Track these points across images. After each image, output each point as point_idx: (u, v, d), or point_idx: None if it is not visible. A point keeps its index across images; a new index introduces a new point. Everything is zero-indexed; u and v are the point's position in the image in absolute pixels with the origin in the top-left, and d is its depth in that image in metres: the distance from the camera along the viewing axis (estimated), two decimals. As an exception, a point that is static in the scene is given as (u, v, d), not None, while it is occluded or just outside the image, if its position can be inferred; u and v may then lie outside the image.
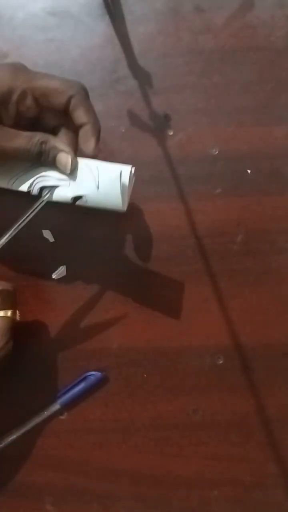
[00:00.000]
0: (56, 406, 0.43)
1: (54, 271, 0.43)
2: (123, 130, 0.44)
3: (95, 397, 0.43)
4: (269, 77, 0.43)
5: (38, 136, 0.35)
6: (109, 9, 0.44)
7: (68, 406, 0.43)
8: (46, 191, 0.37)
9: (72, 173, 0.36)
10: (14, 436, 0.43)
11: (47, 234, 0.43)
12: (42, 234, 0.43)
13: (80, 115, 0.35)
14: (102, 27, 0.44)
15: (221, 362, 0.43)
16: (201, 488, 0.43)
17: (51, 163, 0.36)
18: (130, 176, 0.37)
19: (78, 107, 0.35)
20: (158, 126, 0.44)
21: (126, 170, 0.36)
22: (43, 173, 0.37)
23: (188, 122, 0.43)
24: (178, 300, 0.43)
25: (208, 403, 0.43)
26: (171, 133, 0.43)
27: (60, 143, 0.36)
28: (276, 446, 0.42)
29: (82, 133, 0.36)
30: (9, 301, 0.39)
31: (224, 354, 0.43)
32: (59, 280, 0.43)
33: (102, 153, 0.43)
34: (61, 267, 0.43)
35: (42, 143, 0.35)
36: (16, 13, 0.44)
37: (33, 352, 0.43)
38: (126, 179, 0.36)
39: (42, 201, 0.37)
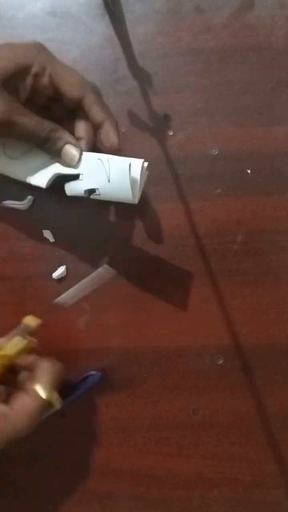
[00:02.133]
0: (56, 406, 0.43)
1: (54, 271, 0.43)
2: (123, 130, 0.44)
3: (95, 398, 0.43)
4: (269, 77, 0.43)
5: (49, 123, 0.37)
6: (109, 9, 0.44)
7: (68, 406, 0.43)
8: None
9: (77, 165, 0.37)
10: (14, 436, 0.43)
11: (47, 234, 0.43)
12: (42, 234, 0.43)
13: (97, 113, 0.37)
14: (102, 27, 0.44)
15: (221, 362, 0.43)
16: (201, 488, 0.43)
17: (56, 152, 0.37)
18: (142, 170, 0.37)
19: (93, 106, 0.37)
20: (158, 126, 0.44)
21: (137, 163, 0.37)
22: (59, 171, 0.38)
23: (188, 122, 0.43)
24: (178, 300, 0.43)
25: (208, 403, 0.43)
26: (171, 133, 0.43)
27: (69, 135, 0.37)
28: (276, 445, 0.42)
29: (103, 131, 0.37)
30: (56, 384, 0.35)
31: (224, 354, 0.43)
32: (59, 280, 0.44)
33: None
34: (61, 267, 0.43)
35: (51, 130, 0.36)
36: (16, 13, 0.44)
37: (33, 352, 0.43)
38: (136, 171, 0.37)
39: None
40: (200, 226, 0.43)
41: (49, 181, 0.38)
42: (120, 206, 0.43)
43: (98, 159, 0.37)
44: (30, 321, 0.36)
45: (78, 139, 0.38)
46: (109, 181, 0.37)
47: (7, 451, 0.43)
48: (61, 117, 0.39)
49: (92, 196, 0.37)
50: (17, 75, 0.35)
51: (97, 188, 0.37)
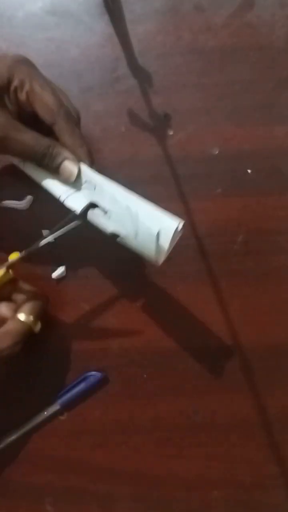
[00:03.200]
0: (56, 407, 0.43)
1: (54, 271, 0.43)
2: (123, 130, 0.43)
3: (95, 398, 0.43)
4: (270, 76, 0.43)
5: (46, 139, 0.36)
6: (109, 8, 0.43)
7: (68, 407, 0.43)
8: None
9: (75, 181, 0.36)
10: (14, 436, 0.43)
11: (47, 234, 0.43)
12: (42, 234, 0.43)
13: (65, 141, 0.36)
14: (102, 26, 0.44)
15: (221, 362, 0.43)
16: (201, 489, 0.43)
17: (55, 169, 0.36)
18: (173, 235, 0.34)
19: (62, 133, 0.36)
20: (158, 125, 0.43)
21: (168, 229, 0.34)
22: (93, 199, 0.36)
23: (188, 122, 0.43)
24: (178, 300, 0.43)
25: (208, 403, 0.43)
26: (171, 133, 0.43)
27: (66, 151, 0.36)
28: (276, 446, 0.42)
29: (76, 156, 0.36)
30: (37, 310, 0.38)
31: (224, 354, 0.43)
32: (59, 280, 0.43)
33: (101, 153, 0.43)
34: (61, 267, 0.43)
35: (48, 146, 0.35)
36: (16, 13, 0.44)
37: (33, 352, 0.43)
38: (166, 240, 0.34)
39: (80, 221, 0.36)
40: (200, 226, 0.43)
41: (83, 208, 0.36)
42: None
43: (126, 205, 0.35)
44: (13, 256, 0.37)
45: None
46: (135, 237, 0.34)
47: (7, 451, 0.43)
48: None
49: (117, 240, 0.36)
50: (4, 88, 0.35)
51: (122, 236, 0.35)
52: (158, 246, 0.34)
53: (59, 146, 0.36)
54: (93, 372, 0.42)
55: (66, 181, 0.36)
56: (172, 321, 0.43)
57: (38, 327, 0.39)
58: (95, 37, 0.44)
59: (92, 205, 0.36)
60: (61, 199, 0.36)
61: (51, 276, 0.43)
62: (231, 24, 0.43)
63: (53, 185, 0.37)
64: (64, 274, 0.43)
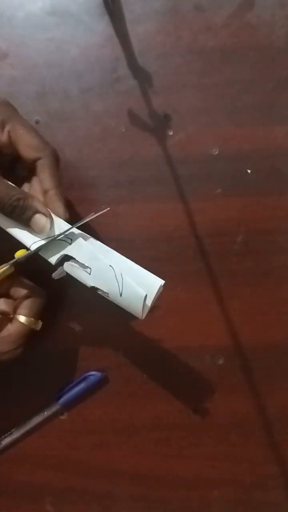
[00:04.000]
0: (56, 406, 0.43)
1: (54, 271, 0.43)
2: (123, 130, 0.43)
3: (95, 397, 0.43)
4: (270, 76, 0.43)
5: (17, 190, 0.35)
6: (109, 9, 0.43)
7: (68, 406, 0.43)
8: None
9: (47, 233, 0.35)
10: (14, 436, 0.43)
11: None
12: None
13: (44, 179, 0.36)
14: (102, 26, 0.44)
15: (221, 362, 0.43)
16: (201, 489, 0.43)
17: (25, 222, 0.35)
18: (157, 292, 0.35)
19: (43, 170, 0.36)
20: (158, 125, 0.43)
21: (153, 288, 0.35)
22: (69, 253, 0.36)
23: (188, 122, 0.43)
24: (178, 300, 0.43)
25: (208, 403, 0.43)
26: (171, 133, 0.43)
27: (38, 203, 0.35)
28: (276, 446, 0.42)
29: (48, 198, 0.36)
30: (36, 309, 0.38)
31: (224, 354, 0.43)
32: (59, 280, 0.43)
33: (101, 153, 0.43)
34: (61, 267, 0.43)
35: (19, 198, 0.35)
36: (16, 13, 0.44)
37: (33, 352, 0.43)
38: (150, 298, 0.35)
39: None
40: (200, 226, 0.43)
41: (58, 259, 0.36)
42: (119, 206, 0.43)
43: (110, 266, 0.35)
44: (19, 254, 0.36)
45: (45, 191, 0.36)
46: (120, 296, 0.35)
47: (7, 451, 0.43)
48: (26, 175, 0.38)
49: (98, 292, 0.36)
50: None
51: (106, 293, 0.35)
52: (144, 305, 0.35)
53: (30, 198, 0.35)
54: (93, 372, 0.42)
55: (39, 233, 0.36)
56: (172, 321, 0.43)
57: (39, 325, 0.39)
58: (95, 37, 0.44)
59: (68, 258, 0.36)
60: (32, 248, 0.36)
61: (51, 276, 0.43)
62: (231, 24, 0.43)
63: (23, 235, 0.36)
64: (64, 274, 0.43)
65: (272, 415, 0.42)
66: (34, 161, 0.36)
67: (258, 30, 0.43)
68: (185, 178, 0.43)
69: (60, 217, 0.36)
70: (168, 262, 0.43)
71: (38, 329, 0.39)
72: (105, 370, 0.43)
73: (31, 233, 0.36)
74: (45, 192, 0.36)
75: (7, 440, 0.43)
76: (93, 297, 0.43)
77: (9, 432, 0.43)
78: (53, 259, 0.36)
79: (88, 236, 0.37)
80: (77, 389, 0.42)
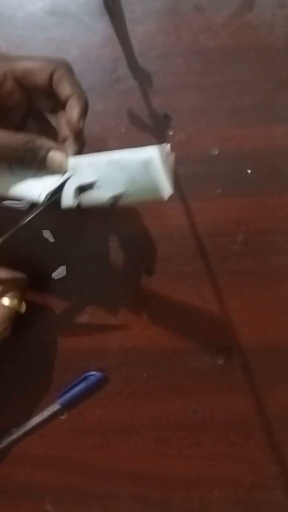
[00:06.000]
0: (56, 406, 0.43)
1: (54, 271, 0.43)
2: (123, 130, 0.43)
3: (95, 397, 0.43)
4: (269, 76, 0.43)
5: (23, 135, 0.33)
6: (109, 9, 0.43)
7: (68, 406, 0.43)
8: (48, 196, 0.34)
9: (66, 171, 0.33)
10: (14, 436, 0.43)
11: (47, 234, 0.43)
12: (42, 234, 0.43)
13: (64, 88, 0.33)
14: (102, 26, 0.44)
15: (221, 362, 0.43)
16: (201, 489, 0.43)
17: (40, 164, 0.33)
18: (161, 158, 0.32)
19: (61, 81, 0.33)
20: (158, 126, 0.43)
21: (154, 155, 0.31)
22: (75, 183, 0.33)
23: (188, 122, 0.43)
24: (178, 300, 0.43)
25: (208, 403, 0.43)
26: (171, 133, 0.43)
27: (49, 141, 0.33)
28: (276, 446, 0.42)
29: (68, 106, 0.33)
30: (19, 291, 0.39)
31: (224, 354, 0.43)
32: (59, 280, 0.43)
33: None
34: (61, 267, 0.43)
35: (27, 141, 0.33)
36: (16, 13, 0.44)
37: (33, 352, 0.43)
38: (157, 165, 0.31)
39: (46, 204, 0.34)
40: (200, 226, 0.43)
41: (74, 198, 0.33)
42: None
43: (108, 160, 0.32)
44: None
45: (64, 139, 0.35)
46: (133, 184, 0.32)
47: (8, 451, 0.43)
48: (39, 130, 0.36)
49: (117, 202, 0.33)
50: None
51: (122, 195, 0.32)
52: (156, 176, 0.32)
53: (39, 138, 0.33)
54: (93, 372, 0.43)
55: (56, 172, 0.34)
56: (172, 321, 0.43)
57: (23, 308, 0.40)
58: (95, 38, 0.44)
59: (81, 189, 0.33)
60: (41, 197, 0.34)
61: (51, 276, 0.43)
62: (231, 24, 0.43)
63: (27, 188, 0.34)
64: (64, 274, 0.43)
65: (272, 415, 0.42)
66: (50, 78, 0.33)
67: (258, 30, 0.43)
68: (185, 178, 0.43)
69: (73, 122, 0.33)
70: (168, 262, 0.43)
71: (23, 311, 0.40)
72: (105, 370, 0.43)
73: (38, 182, 0.34)
74: (65, 103, 0.34)
75: (7, 440, 0.43)
76: (94, 296, 0.43)
77: (9, 432, 0.43)
78: (68, 200, 0.34)
79: (75, 157, 0.34)
80: (77, 389, 0.42)
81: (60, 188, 0.34)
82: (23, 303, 0.40)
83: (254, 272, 0.43)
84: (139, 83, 0.44)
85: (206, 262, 0.43)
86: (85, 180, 0.33)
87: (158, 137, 0.43)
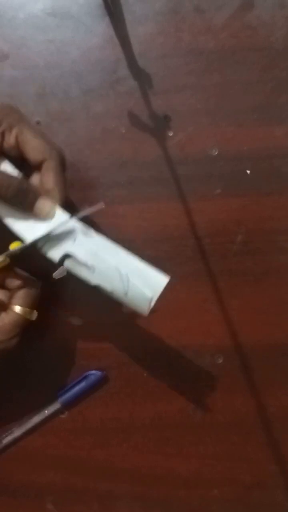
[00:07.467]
0: (56, 405, 0.43)
1: (54, 271, 0.43)
2: (123, 131, 0.44)
3: (96, 397, 0.43)
4: (269, 77, 0.43)
5: (16, 177, 0.36)
6: (109, 10, 0.44)
7: (68, 405, 0.43)
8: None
9: (51, 220, 0.36)
10: (14, 435, 0.43)
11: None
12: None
13: (48, 180, 0.36)
14: (102, 27, 0.44)
15: (220, 362, 0.43)
16: (201, 488, 0.43)
17: (28, 207, 0.36)
18: (162, 291, 0.36)
19: (48, 171, 0.36)
20: (158, 126, 0.44)
21: (158, 287, 0.35)
22: (72, 251, 0.36)
23: (188, 123, 0.43)
24: (178, 300, 0.43)
25: (208, 403, 0.43)
26: (171, 134, 0.44)
27: (38, 188, 0.36)
28: (276, 445, 0.42)
29: (41, 200, 0.36)
30: (31, 300, 0.39)
31: (224, 354, 0.43)
32: (59, 280, 0.44)
33: (102, 154, 0.44)
34: (61, 267, 0.43)
35: (20, 183, 0.35)
36: (17, 14, 0.44)
37: (33, 352, 0.43)
38: (156, 296, 0.35)
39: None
40: (200, 226, 0.43)
41: (61, 257, 0.36)
42: (120, 206, 0.44)
43: (115, 266, 0.35)
44: (14, 246, 0.37)
45: (47, 191, 0.36)
46: (124, 295, 0.35)
47: (8, 450, 0.43)
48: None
49: (101, 291, 0.36)
50: None
51: (108, 291, 0.35)
52: (149, 303, 0.35)
53: (30, 183, 0.36)
54: (93, 371, 0.43)
55: (44, 219, 0.36)
56: (172, 321, 0.43)
57: (34, 315, 0.39)
58: (95, 39, 0.44)
59: (69, 256, 0.36)
60: (38, 245, 0.36)
61: (51, 276, 0.43)
62: (231, 25, 0.44)
63: (21, 227, 0.36)
64: (64, 274, 0.43)
65: (272, 414, 0.42)
66: (40, 163, 0.36)
67: (258, 31, 0.44)
68: (185, 178, 0.43)
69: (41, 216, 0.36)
70: (168, 262, 0.43)
71: (34, 319, 0.39)
72: (105, 369, 0.43)
73: (30, 225, 0.36)
74: (45, 192, 0.36)
75: (7, 439, 0.43)
76: (94, 296, 0.43)
77: (9, 431, 0.43)
78: (55, 257, 0.36)
79: (91, 230, 0.37)
80: (77, 388, 0.43)
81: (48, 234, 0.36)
82: (35, 311, 0.39)
83: (253, 272, 0.43)
84: (139, 84, 0.44)
85: (206, 262, 0.43)
86: (82, 256, 0.36)
87: (158, 138, 0.43)
